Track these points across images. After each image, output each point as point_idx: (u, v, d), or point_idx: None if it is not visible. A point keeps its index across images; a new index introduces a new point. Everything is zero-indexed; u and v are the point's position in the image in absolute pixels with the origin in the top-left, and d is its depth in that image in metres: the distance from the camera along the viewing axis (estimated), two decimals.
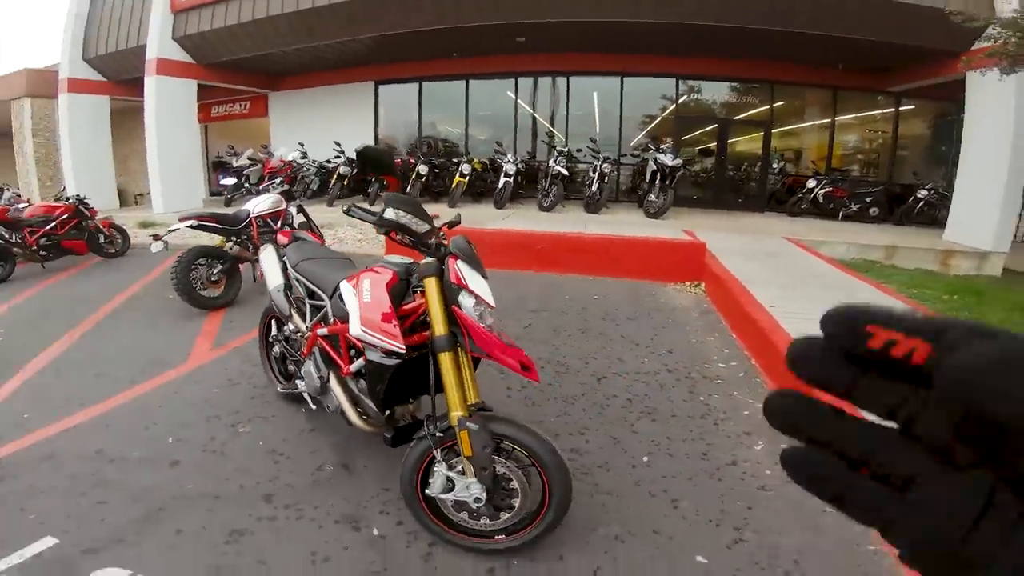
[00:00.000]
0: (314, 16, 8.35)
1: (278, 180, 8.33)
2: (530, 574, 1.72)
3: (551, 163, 8.41)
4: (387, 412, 1.96)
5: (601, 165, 8.20)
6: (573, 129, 10.54)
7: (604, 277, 5.16)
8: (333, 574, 1.73)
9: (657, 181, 7.87)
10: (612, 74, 10.10)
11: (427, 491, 1.71)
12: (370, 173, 8.26)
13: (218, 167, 13.27)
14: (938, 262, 6.48)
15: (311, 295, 2.25)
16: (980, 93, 6.86)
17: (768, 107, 10.03)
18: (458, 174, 8.64)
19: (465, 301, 1.63)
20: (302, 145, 10.26)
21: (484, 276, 1.71)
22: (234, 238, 4.47)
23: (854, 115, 10.34)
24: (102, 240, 6.35)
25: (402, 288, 1.82)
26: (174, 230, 4.22)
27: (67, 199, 6.19)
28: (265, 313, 2.80)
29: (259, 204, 4.61)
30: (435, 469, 1.68)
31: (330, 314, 2.05)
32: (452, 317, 1.66)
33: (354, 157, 9.65)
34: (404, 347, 1.69)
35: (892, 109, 9.90)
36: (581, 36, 8.61)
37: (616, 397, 2.86)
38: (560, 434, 2.48)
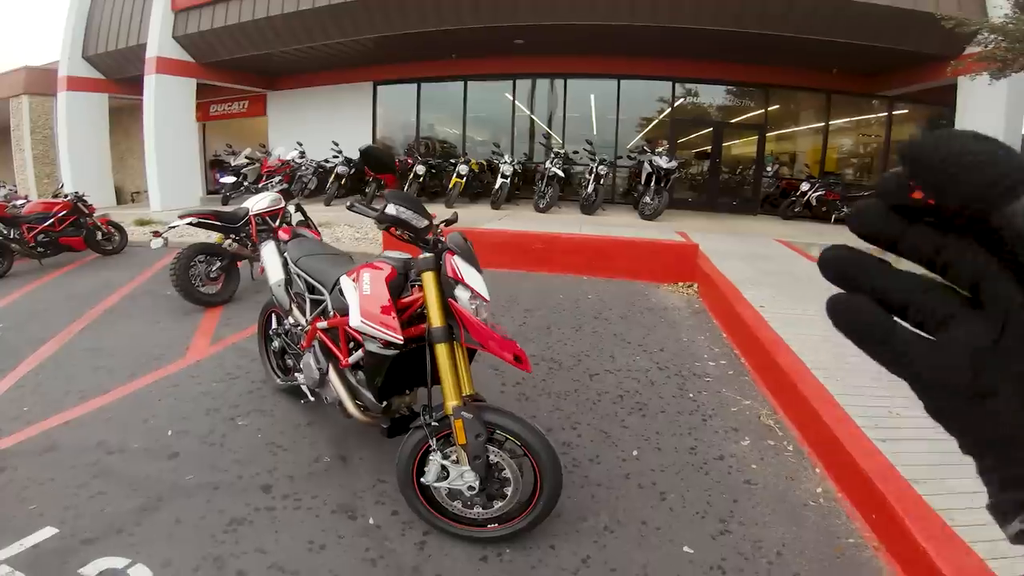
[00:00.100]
0: (313, 17, 8.40)
1: (277, 179, 8.36)
2: (522, 562, 1.78)
3: (547, 165, 8.48)
4: (384, 403, 2.02)
5: (597, 167, 8.27)
6: (570, 131, 10.61)
7: (598, 277, 5.22)
8: (329, 562, 1.78)
9: (652, 183, 7.95)
10: (609, 77, 10.18)
11: (422, 480, 1.77)
12: (372, 171, 8.36)
13: (215, 166, 13.28)
14: None
15: (311, 290, 2.31)
16: (971, 97, 6.98)
17: (763, 111, 10.13)
18: (455, 175, 8.70)
19: (461, 294, 1.69)
20: (300, 145, 10.29)
21: (479, 271, 1.78)
22: (233, 236, 4.51)
23: (848, 119, 10.46)
24: (100, 237, 6.37)
25: (400, 282, 1.89)
26: (174, 227, 4.26)
27: (65, 196, 6.20)
28: (264, 308, 2.85)
29: (258, 202, 4.65)
30: (430, 458, 1.74)
31: (330, 308, 2.12)
32: (448, 310, 1.73)
33: (352, 157, 9.78)
34: (402, 338, 1.76)
35: (885, 113, 10.01)
36: (578, 39, 8.68)
37: (607, 393, 2.93)
38: (552, 428, 2.53)
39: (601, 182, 8.36)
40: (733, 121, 10.51)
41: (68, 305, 4.50)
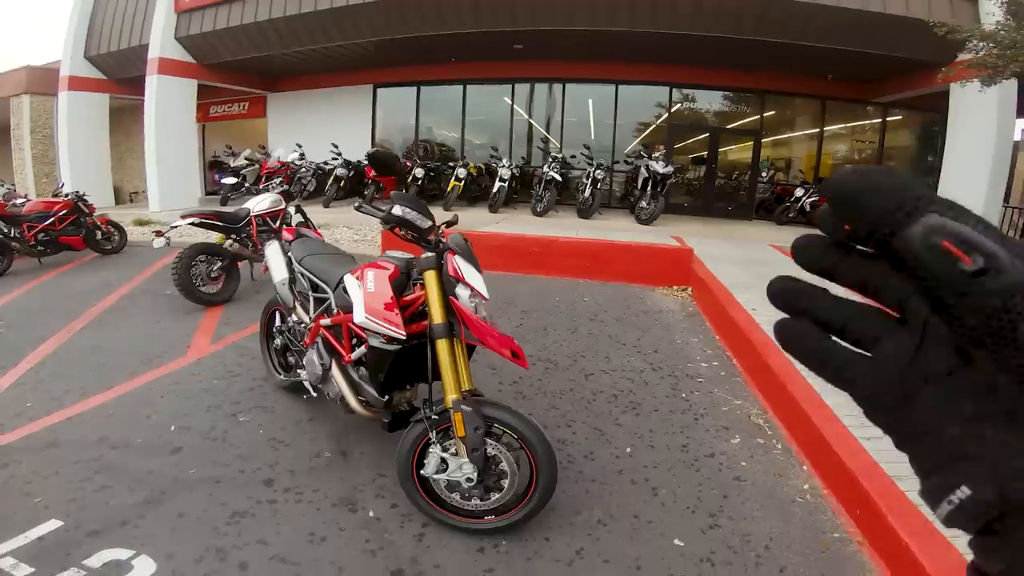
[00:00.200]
0: (315, 19, 8.47)
1: (278, 180, 8.41)
2: (517, 554, 1.83)
3: (545, 169, 8.56)
4: (386, 398, 2.08)
5: (594, 171, 8.35)
6: (568, 135, 10.70)
7: (594, 280, 5.29)
8: (330, 553, 1.83)
9: (648, 188, 8.03)
10: (607, 82, 10.28)
11: (422, 472, 1.83)
12: (378, 175, 8.52)
13: (214, 166, 13.32)
14: None
15: (315, 288, 2.37)
16: (962, 105, 7.05)
17: (758, 116, 10.23)
18: (454, 178, 8.76)
19: (461, 293, 1.77)
20: (300, 146, 10.35)
21: (479, 271, 1.85)
22: (234, 236, 4.56)
23: (842, 125, 10.56)
24: (99, 236, 6.40)
25: (403, 281, 1.96)
26: (176, 227, 4.31)
27: (66, 195, 6.24)
28: (267, 307, 2.90)
29: (259, 203, 4.71)
30: (430, 450, 1.81)
31: (334, 305, 2.18)
32: (449, 307, 1.80)
33: (351, 160, 9.83)
34: (405, 334, 1.82)
35: (879, 120, 10.12)
36: (577, 44, 8.77)
37: (602, 392, 2.99)
38: (548, 425, 2.59)
39: (598, 186, 8.43)
40: (729, 127, 10.62)
41: (68, 304, 4.52)
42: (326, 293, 2.27)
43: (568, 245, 5.62)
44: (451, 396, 1.75)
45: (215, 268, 4.44)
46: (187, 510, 2.02)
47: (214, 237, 4.69)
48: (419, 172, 9.17)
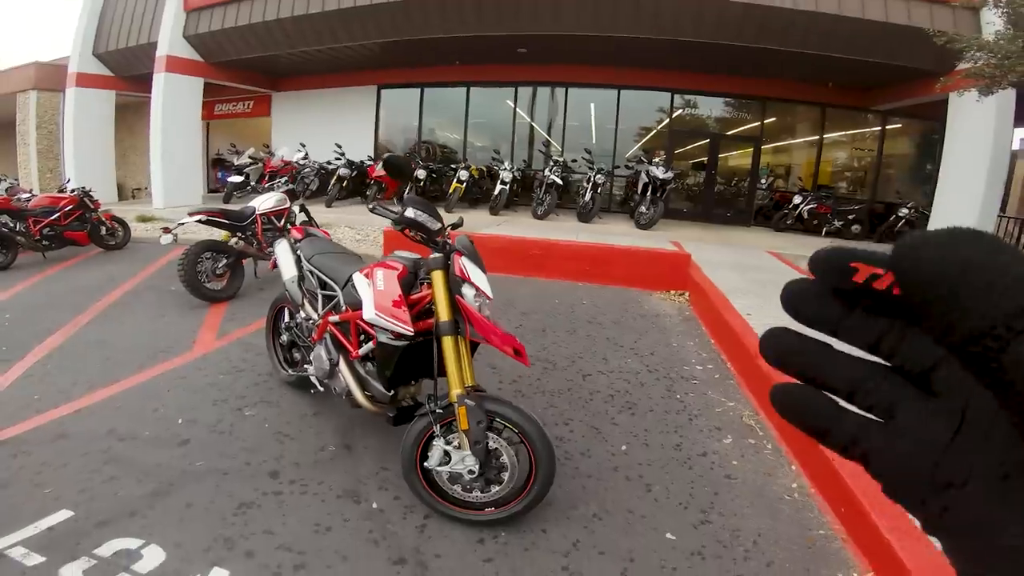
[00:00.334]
0: (322, 20, 8.55)
1: (283, 179, 8.48)
2: (516, 544, 1.90)
3: (546, 172, 8.64)
4: (392, 392, 2.16)
5: (595, 176, 8.43)
6: (569, 139, 10.78)
7: (593, 284, 5.37)
8: (335, 543, 1.89)
9: (648, 193, 8.11)
10: (609, 86, 10.36)
11: (425, 464, 1.91)
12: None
13: (217, 164, 13.38)
14: None
15: (323, 286, 2.45)
16: (960, 114, 7.07)
17: (759, 123, 10.30)
18: (455, 180, 8.84)
19: (467, 292, 1.86)
20: (304, 146, 10.42)
21: (484, 271, 1.93)
22: (239, 234, 4.63)
23: (842, 132, 10.61)
24: (104, 232, 6.46)
25: (411, 280, 2.05)
26: (183, 223, 4.38)
27: (72, 191, 6.30)
28: (273, 304, 2.98)
29: (264, 202, 4.78)
30: (434, 443, 1.89)
31: (342, 303, 2.26)
32: (455, 306, 1.88)
33: (355, 160, 9.90)
34: (413, 330, 1.90)
35: (878, 128, 10.17)
36: (581, 49, 8.86)
37: (599, 392, 3.07)
38: (546, 423, 2.64)
39: (598, 191, 8.51)
40: (729, 133, 10.69)
41: (73, 298, 4.57)
42: (334, 291, 2.35)
43: (568, 248, 5.69)
44: (455, 391, 1.83)
45: (220, 265, 4.51)
46: (195, 501, 2.07)
47: (219, 235, 4.77)
48: (421, 174, 9.25)
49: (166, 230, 4.47)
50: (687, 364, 3.54)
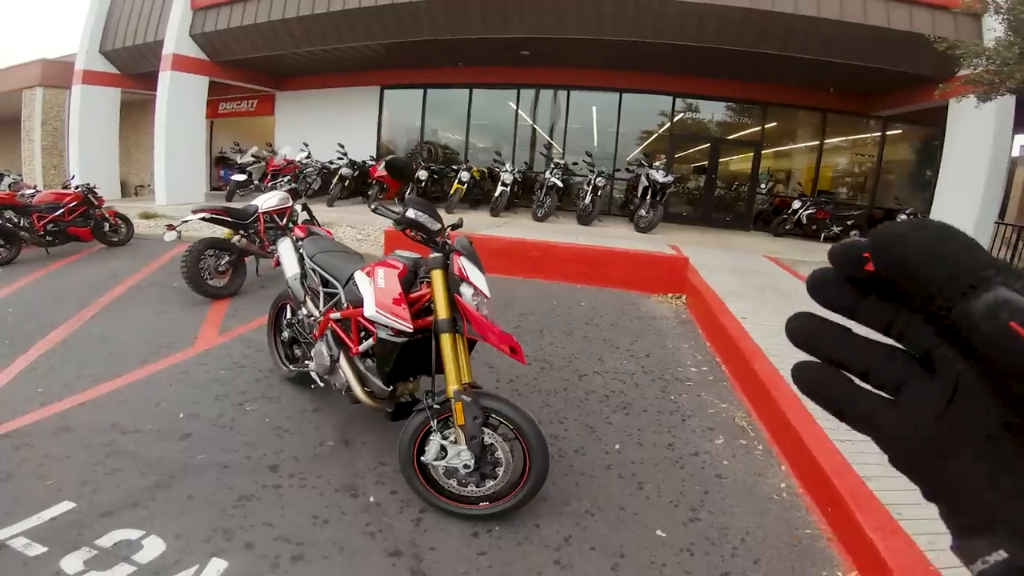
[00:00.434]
0: (328, 21, 8.61)
1: (286, 179, 8.54)
2: (509, 538, 1.95)
3: (547, 175, 8.69)
4: (391, 388, 2.21)
5: (595, 179, 8.48)
6: (571, 142, 10.83)
7: (591, 286, 5.41)
8: (332, 535, 1.94)
9: (648, 197, 8.16)
10: (611, 90, 10.40)
11: (422, 458, 1.96)
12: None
13: (220, 162, 13.44)
14: None
15: (325, 283, 2.51)
16: (960, 120, 7.09)
17: (759, 128, 10.33)
18: (457, 181, 8.90)
19: (465, 291, 1.91)
20: (306, 145, 10.48)
21: (482, 271, 1.99)
22: (242, 232, 4.69)
23: (842, 138, 10.63)
24: (107, 228, 6.52)
25: (411, 279, 2.11)
26: (187, 221, 4.43)
27: (76, 187, 6.36)
28: (275, 301, 3.03)
29: (267, 201, 4.84)
30: (431, 438, 1.94)
31: (343, 300, 2.32)
32: (454, 304, 1.94)
33: (357, 160, 9.96)
34: (412, 327, 1.96)
35: (879, 133, 10.19)
36: (583, 52, 8.91)
37: (594, 393, 3.12)
38: (542, 421, 2.68)
39: (598, 194, 8.56)
40: (730, 137, 10.71)
41: (76, 293, 4.62)
42: (336, 288, 2.40)
43: (567, 251, 5.74)
44: (452, 387, 1.89)
45: (223, 262, 4.56)
46: (196, 493, 2.11)
47: (222, 232, 4.82)
48: (423, 174, 9.30)
49: (170, 227, 4.53)
50: (682, 366, 3.59)
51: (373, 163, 9.96)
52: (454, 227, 2.31)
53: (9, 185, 9.69)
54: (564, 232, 7.30)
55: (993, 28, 5.84)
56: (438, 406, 1.93)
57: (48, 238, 5.93)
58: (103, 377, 3.06)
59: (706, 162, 10.48)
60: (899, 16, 6.91)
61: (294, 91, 12.42)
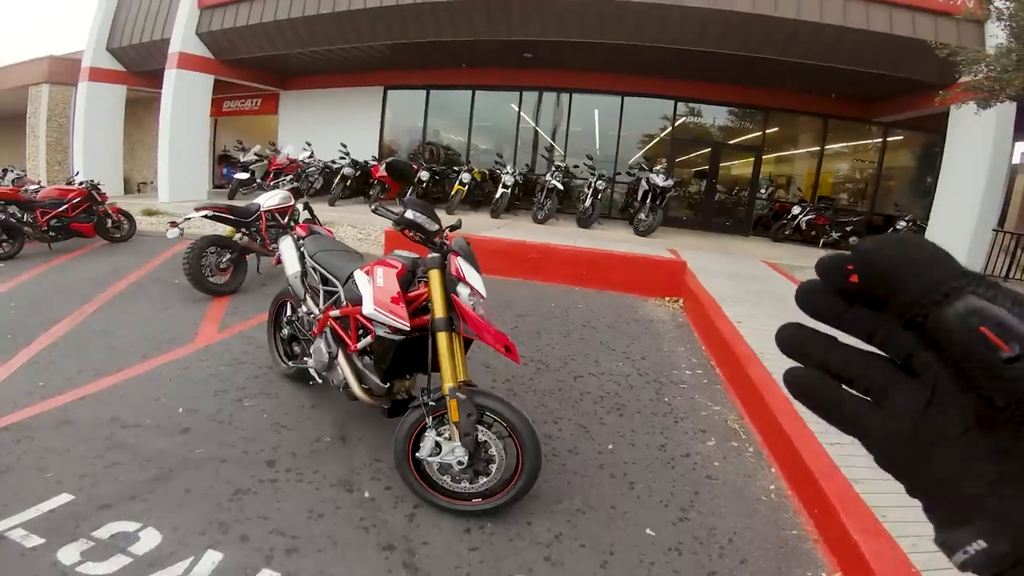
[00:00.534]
0: (334, 21, 8.66)
1: (288, 177, 8.58)
2: (501, 534, 1.98)
3: (548, 177, 8.73)
4: (388, 385, 2.25)
5: (596, 182, 8.51)
6: (572, 145, 10.87)
7: (589, 289, 5.45)
8: (327, 529, 1.97)
9: (648, 200, 8.19)
10: (613, 93, 10.45)
11: (417, 454, 2.00)
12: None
13: (223, 161, 13.50)
14: None
15: (325, 281, 2.55)
16: (960, 126, 7.09)
17: (761, 133, 10.36)
18: (458, 182, 8.94)
19: (462, 291, 1.96)
20: (309, 144, 10.54)
21: (479, 272, 2.03)
22: (243, 230, 4.73)
23: (843, 144, 10.64)
24: (110, 224, 6.57)
25: (408, 278, 2.16)
26: (190, 218, 4.47)
27: (80, 184, 6.41)
28: (276, 298, 3.07)
29: (269, 199, 4.88)
30: (426, 434, 1.98)
31: (343, 298, 2.36)
32: (450, 304, 1.99)
33: (359, 160, 10.01)
34: (409, 325, 2.00)
35: (880, 139, 10.19)
36: (586, 56, 8.94)
37: (589, 394, 3.15)
38: (536, 421, 2.72)
39: (599, 197, 8.59)
40: (731, 142, 10.74)
41: (78, 289, 4.65)
42: (336, 287, 2.45)
43: (566, 253, 5.77)
44: (448, 384, 1.93)
45: (224, 260, 4.61)
46: (193, 487, 2.14)
47: (224, 230, 4.86)
48: (424, 175, 9.35)
49: (173, 224, 4.57)
50: (677, 369, 3.62)
51: (375, 163, 10.01)
52: (452, 228, 2.35)
53: (13, 181, 9.77)
54: (564, 234, 7.33)
55: (995, 35, 5.83)
56: (433, 403, 1.96)
57: (51, 233, 5.97)
58: (104, 372, 3.09)
59: (707, 166, 10.51)
60: (902, 22, 6.91)
61: (298, 90, 12.48)
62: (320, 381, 2.63)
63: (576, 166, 9.62)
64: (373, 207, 2.31)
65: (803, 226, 9.09)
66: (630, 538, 2.02)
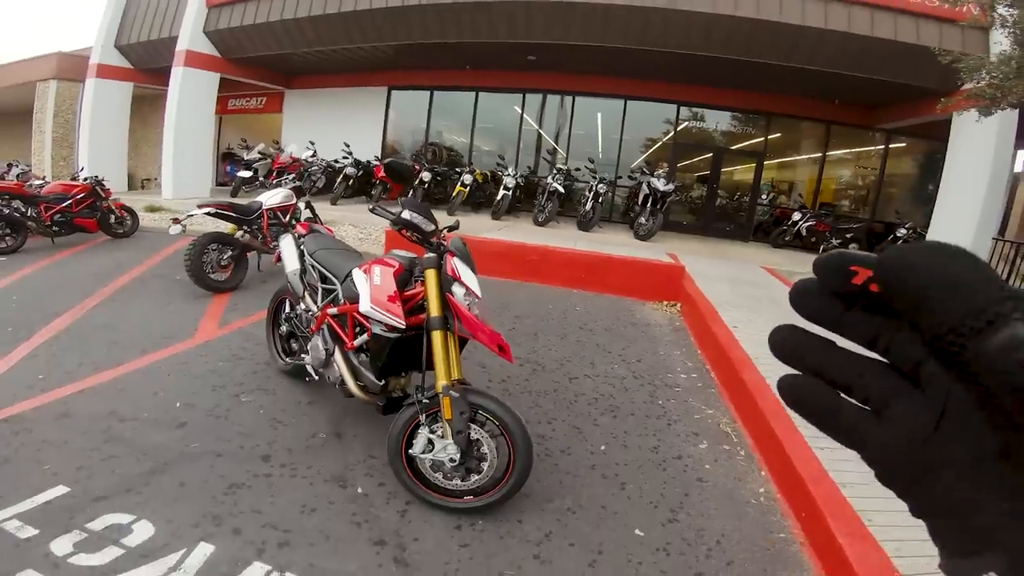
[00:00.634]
0: (339, 22, 8.72)
1: (291, 176, 8.63)
2: (492, 532, 2.01)
3: (549, 180, 8.76)
4: (383, 382, 2.28)
5: (597, 185, 8.54)
6: (574, 148, 10.91)
7: (587, 291, 5.47)
8: (319, 524, 1.99)
9: (648, 204, 8.21)
10: (616, 97, 10.48)
11: (410, 451, 2.02)
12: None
13: (227, 158, 13.57)
14: None
15: (324, 279, 2.59)
16: (962, 134, 7.06)
17: (763, 138, 10.36)
18: (459, 183, 8.97)
19: (457, 290, 1.99)
20: (313, 144, 10.59)
21: (474, 272, 2.06)
22: (245, 227, 4.77)
23: (845, 150, 10.63)
24: (113, 220, 6.61)
25: (405, 277, 2.20)
26: (193, 215, 4.51)
27: (85, 179, 6.46)
28: (275, 296, 3.10)
29: (271, 197, 4.92)
30: (419, 432, 2.01)
31: (341, 296, 2.40)
32: (446, 303, 2.02)
33: (362, 160, 10.07)
34: (404, 323, 2.03)
35: (882, 146, 10.18)
36: (589, 59, 8.97)
37: (584, 395, 3.17)
38: (530, 421, 2.75)
39: (600, 200, 8.61)
40: (733, 147, 10.75)
41: (81, 283, 4.68)
42: (334, 285, 2.49)
43: (565, 256, 5.80)
44: (442, 382, 1.96)
45: (225, 257, 4.64)
46: (188, 480, 2.16)
47: (226, 227, 4.90)
48: (426, 176, 9.38)
49: (176, 220, 4.61)
50: (672, 372, 3.64)
51: (377, 163, 10.06)
52: (450, 228, 2.39)
53: (18, 175, 9.84)
54: (564, 237, 7.36)
55: (1000, 42, 5.81)
56: (427, 401, 1.99)
57: (54, 228, 6.02)
58: (104, 365, 3.12)
59: (708, 171, 10.52)
60: (906, 29, 6.90)
61: (303, 90, 12.55)
62: (317, 377, 2.66)
63: (578, 169, 9.65)
64: (371, 207, 2.35)
65: (803, 232, 9.10)
66: (619, 538, 2.04)
